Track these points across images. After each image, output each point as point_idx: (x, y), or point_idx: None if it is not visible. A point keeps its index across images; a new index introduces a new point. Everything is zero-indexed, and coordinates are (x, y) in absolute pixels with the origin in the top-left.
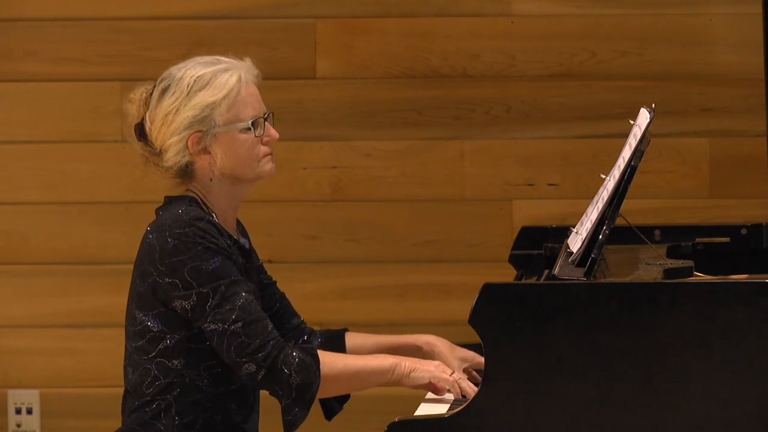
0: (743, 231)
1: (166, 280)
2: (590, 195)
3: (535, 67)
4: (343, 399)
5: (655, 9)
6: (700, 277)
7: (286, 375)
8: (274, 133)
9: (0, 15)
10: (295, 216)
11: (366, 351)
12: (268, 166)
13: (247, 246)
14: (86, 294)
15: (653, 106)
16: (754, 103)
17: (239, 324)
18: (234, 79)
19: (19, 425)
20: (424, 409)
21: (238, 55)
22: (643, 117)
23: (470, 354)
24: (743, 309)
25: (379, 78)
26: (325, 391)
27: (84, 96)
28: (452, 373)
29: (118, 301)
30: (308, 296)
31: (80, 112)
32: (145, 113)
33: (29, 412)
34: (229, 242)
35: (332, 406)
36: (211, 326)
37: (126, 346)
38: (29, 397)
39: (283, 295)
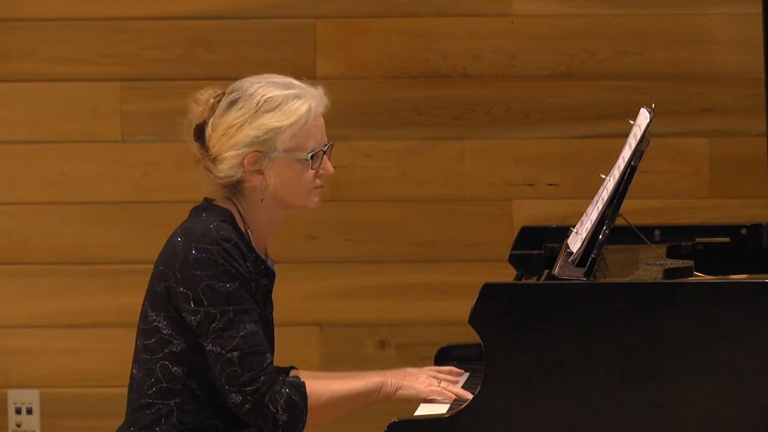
0: (743, 231)
1: (181, 289)
2: (590, 195)
3: (535, 67)
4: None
5: (655, 9)
6: (700, 277)
7: (272, 413)
8: (330, 167)
9: (0, 15)
10: (295, 216)
11: None
12: (315, 198)
13: (272, 269)
14: (86, 294)
15: (653, 106)
16: (754, 103)
17: (236, 353)
18: (304, 108)
19: (19, 425)
20: (424, 409)
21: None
22: (643, 117)
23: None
24: (743, 309)
25: (379, 78)
26: (312, 422)
27: (84, 96)
28: (440, 383)
29: (118, 301)
30: (308, 296)
31: (80, 112)
32: (209, 118)
33: (29, 412)
34: (254, 264)
35: None
36: (210, 346)
37: (136, 342)
38: (29, 397)
39: (272, 325)
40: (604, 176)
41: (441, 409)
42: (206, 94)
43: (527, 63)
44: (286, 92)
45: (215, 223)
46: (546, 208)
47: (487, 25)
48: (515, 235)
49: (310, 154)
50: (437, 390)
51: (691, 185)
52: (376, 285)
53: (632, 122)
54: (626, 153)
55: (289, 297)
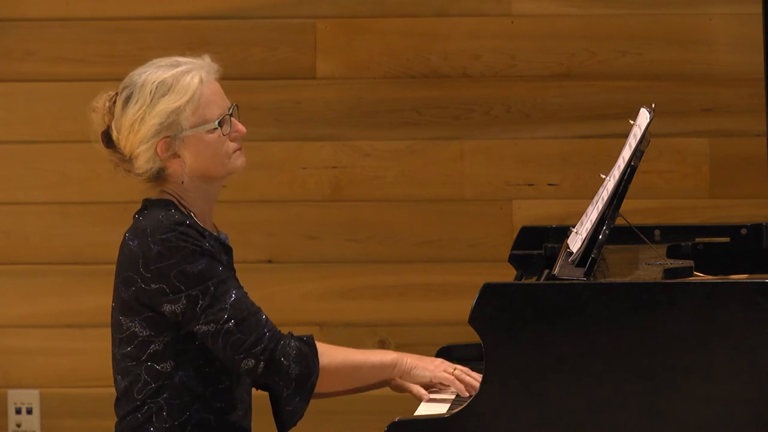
0: (743, 231)
1: (153, 286)
2: (590, 195)
3: (535, 67)
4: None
5: (655, 9)
6: (700, 277)
7: (285, 366)
8: (241, 127)
9: (0, 15)
10: (295, 216)
11: None
12: (239, 161)
13: (227, 242)
14: (86, 294)
15: (653, 106)
16: (754, 103)
17: (232, 322)
18: (196, 80)
19: (19, 425)
20: (424, 409)
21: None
22: (643, 117)
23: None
24: (743, 309)
25: (379, 78)
26: (325, 385)
27: (84, 96)
28: (455, 370)
29: None
30: (308, 296)
31: (80, 112)
32: (110, 122)
33: (29, 412)
34: (212, 240)
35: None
36: (204, 327)
37: (113, 353)
38: (29, 397)
39: None
40: (604, 176)
41: (441, 409)
42: (100, 100)
43: (527, 63)
44: (175, 71)
45: (162, 213)
46: (546, 208)
47: (487, 25)
48: (515, 235)
49: (216, 121)
50: (449, 377)
51: (691, 185)
52: (376, 285)
53: (632, 122)
54: (626, 153)
55: (289, 297)
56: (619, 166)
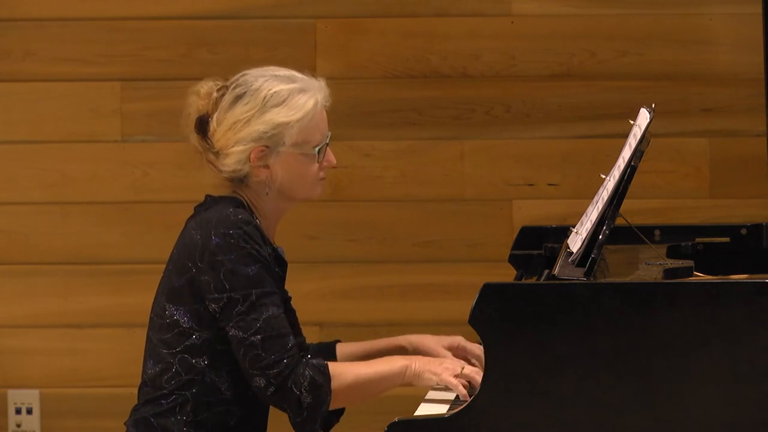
0: (743, 231)
1: (204, 278)
2: (590, 195)
3: (535, 67)
4: (340, 412)
5: (655, 9)
6: (700, 277)
7: (296, 395)
8: (333, 159)
9: (0, 15)
10: (295, 216)
11: (357, 359)
12: (319, 189)
13: (284, 255)
14: (86, 294)
15: (653, 106)
16: (754, 103)
17: (259, 336)
18: (311, 103)
19: (19, 425)
20: (424, 409)
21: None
22: (643, 117)
23: (456, 339)
24: (743, 309)
25: (379, 78)
26: (337, 404)
27: (84, 96)
28: (462, 369)
29: (118, 301)
30: (308, 296)
31: (80, 112)
32: (212, 112)
33: (29, 412)
34: (269, 251)
35: (330, 420)
36: (233, 331)
37: (149, 337)
38: (29, 397)
39: (294, 312)
40: (604, 176)
41: (441, 409)
42: (207, 87)
43: (527, 63)
44: (292, 86)
45: (231, 209)
46: (546, 208)
47: (487, 25)
48: (515, 235)
49: (317, 148)
50: (453, 383)
51: (691, 185)
52: (376, 285)
53: (632, 122)
54: (626, 153)
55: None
56: (619, 166)
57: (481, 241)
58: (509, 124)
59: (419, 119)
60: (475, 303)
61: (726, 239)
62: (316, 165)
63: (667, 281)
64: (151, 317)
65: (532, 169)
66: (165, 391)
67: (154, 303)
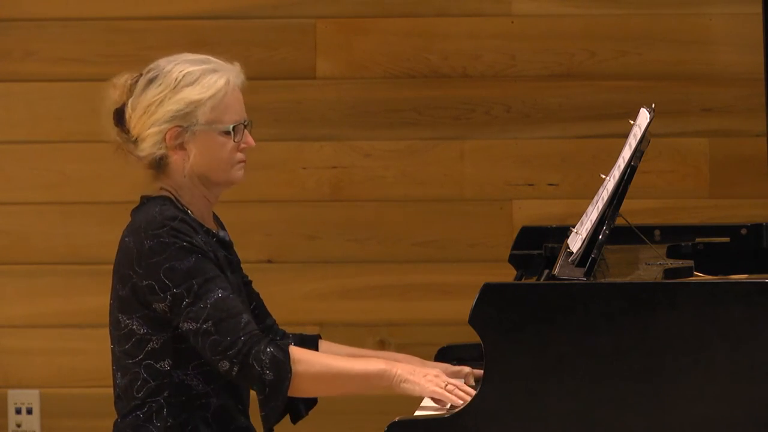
0: (743, 231)
1: (144, 282)
2: (590, 195)
3: (535, 67)
4: (310, 404)
5: (655, 9)
6: (700, 277)
7: (257, 371)
8: (251, 140)
9: (0, 15)
10: (295, 216)
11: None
12: (239, 173)
13: (227, 239)
14: (86, 294)
15: (653, 106)
16: (754, 103)
17: (210, 322)
18: (222, 81)
19: (19, 425)
20: (424, 409)
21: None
22: (643, 117)
23: (443, 366)
24: (743, 309)
25: (379, 78)
26: (304, 391)
27: (84, 96)
28: (446, 385)
29: None
30: (308, 296)
31: (80, 112)
32: (127, 100)
33: (29, 412)
34: (207, 237)
35: (298, 410)
36: (186, 325)
37: (113, 350)
38: (29, 397)
39: (257, 295)
40: (604, 176)
41: (441, 409)
42: (122, 78)
43: (527, 63)
44: (204, 66)
45: (157, 209)
46: (546, 208)
47: (487, 25)
48: (515, 235)
49: (231, 126)
50: (440, 392)
51: (691, 185)
52: (376, 285)
53: (632, 122)
54: (626, 153)
55: (289, 297)
56: (619, 166)
57: (481, 241)
58: (509, 124)
59: (419, 119)
60: (475, 303)
61: (726, 239)
62: (233, 145)
63: (667, 281)
64: (109, 330)
65: (532, 169)
66: (138, 402)
67: (109, 316)
